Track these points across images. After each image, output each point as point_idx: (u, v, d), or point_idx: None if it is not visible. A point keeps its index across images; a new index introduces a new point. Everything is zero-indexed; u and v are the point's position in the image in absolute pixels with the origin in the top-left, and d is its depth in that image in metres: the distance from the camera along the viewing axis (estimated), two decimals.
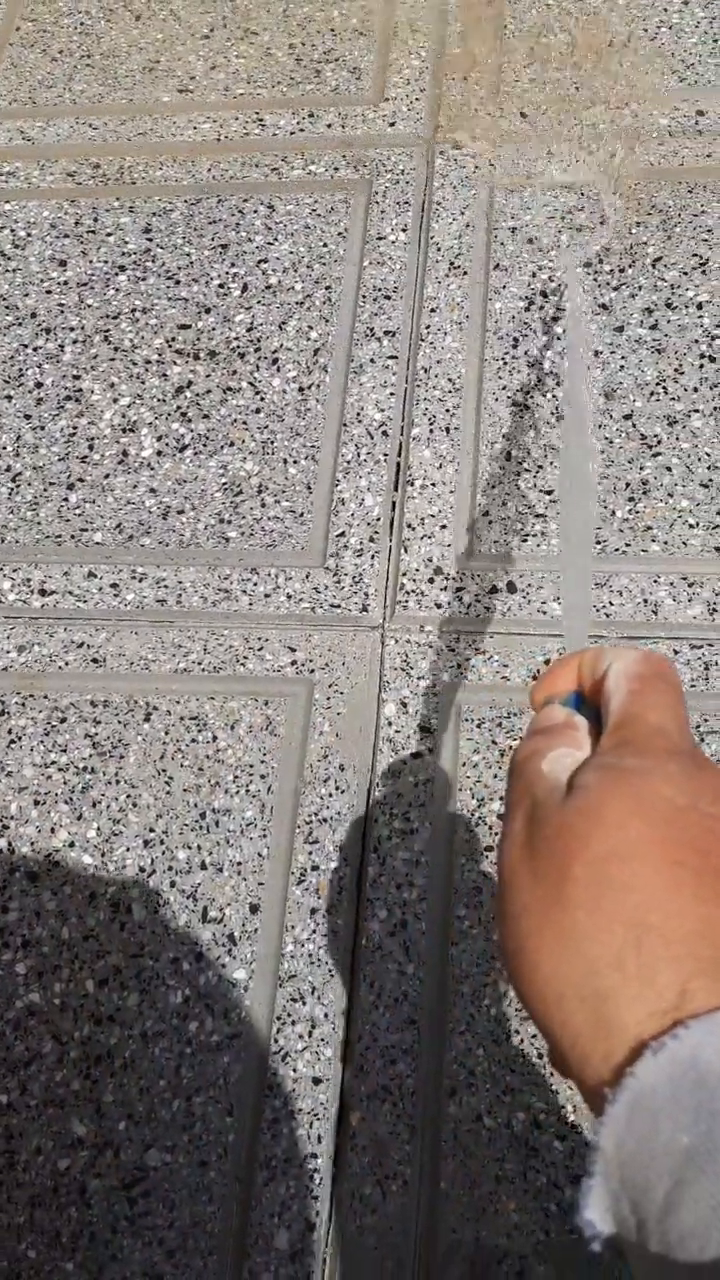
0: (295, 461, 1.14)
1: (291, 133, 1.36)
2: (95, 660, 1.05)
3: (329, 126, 1.36)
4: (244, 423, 1.17)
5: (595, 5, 1.40)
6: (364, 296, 1.24)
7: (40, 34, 1.49)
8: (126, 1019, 0.89)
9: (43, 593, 1.09)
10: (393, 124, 1.35)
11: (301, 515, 1.11)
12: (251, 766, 0.99)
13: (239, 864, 0.95)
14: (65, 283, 1.28)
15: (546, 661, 1.01)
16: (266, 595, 1.07)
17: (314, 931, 0.91)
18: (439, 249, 1.26)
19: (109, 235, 1.31)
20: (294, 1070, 0.86)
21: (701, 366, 1.14)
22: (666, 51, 1.35)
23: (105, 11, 1.49)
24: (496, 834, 0.93)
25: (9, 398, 1.21)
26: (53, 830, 0.97)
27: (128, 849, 0.96)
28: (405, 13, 1.44)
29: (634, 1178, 0.26)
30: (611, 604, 1.03)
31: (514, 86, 1.36)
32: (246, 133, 1.37)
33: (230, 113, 1.39)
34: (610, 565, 1.05)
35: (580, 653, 0.43)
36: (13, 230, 1.33)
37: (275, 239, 1.29)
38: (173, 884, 0.94)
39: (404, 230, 1.27)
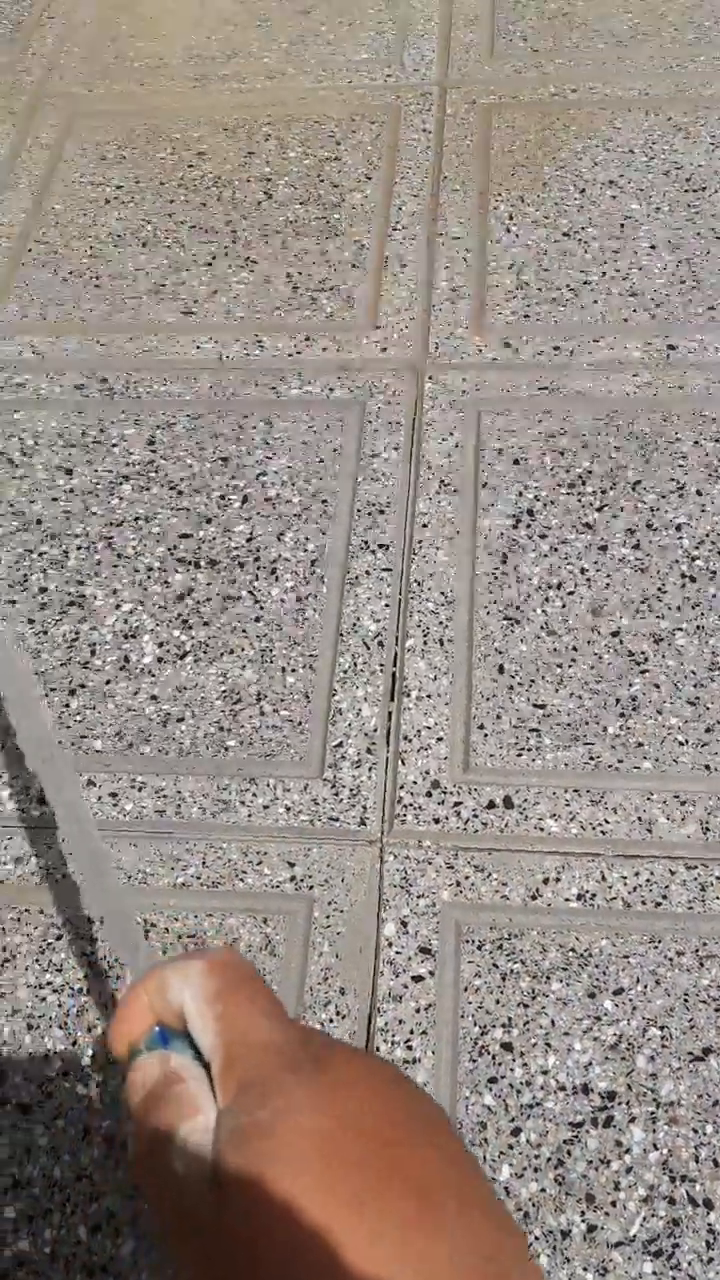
0: (294, 670, 1.17)
1: (289, 355, 1.44)
2: None
3: (324, 350, 1.44)
4: (243, 630, 1.20)
5: (569, 246, 1.52)
6: (358, 511, 1.29)
7: (52, 255, 1.58)
8: (121, 1270, 0.85)
9: (42, 801, 1.09)
10: (385, 349, 1.44)
11: (300, 724, 1.13)
12: None
13: None
14: (71, 490, 1.33)
15: (545, 881, 1.02)
16: (265, 807, 1.08)
17: None
18: (429, 467, 1.32)
19: (114, 446, 1.37)
20: None
21: (684, 586, 1.19)
22: (638, 290, 1.46)
23: (114, 238, 1.59)
24: (500, 1063, 0.92)
25: (13, 602, 1.24)
26: (46, 1058, 0.95)
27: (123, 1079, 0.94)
28: (395, 248, 1.55)
29: None
30: (607, 821, 1.04)
31: (498, 317, 1.45)
32: (247, 353, 1.45)
33: (231, 334, 1.47)
34: (604, 781, 1.07)
35: (141, 984, 0.39)
36: (20, 439, 1.38)
37: (274, 454, 1.35)
38: None
39: (396, 449, 1.34)
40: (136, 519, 1.30)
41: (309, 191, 1.63)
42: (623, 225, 1.54)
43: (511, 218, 1.57)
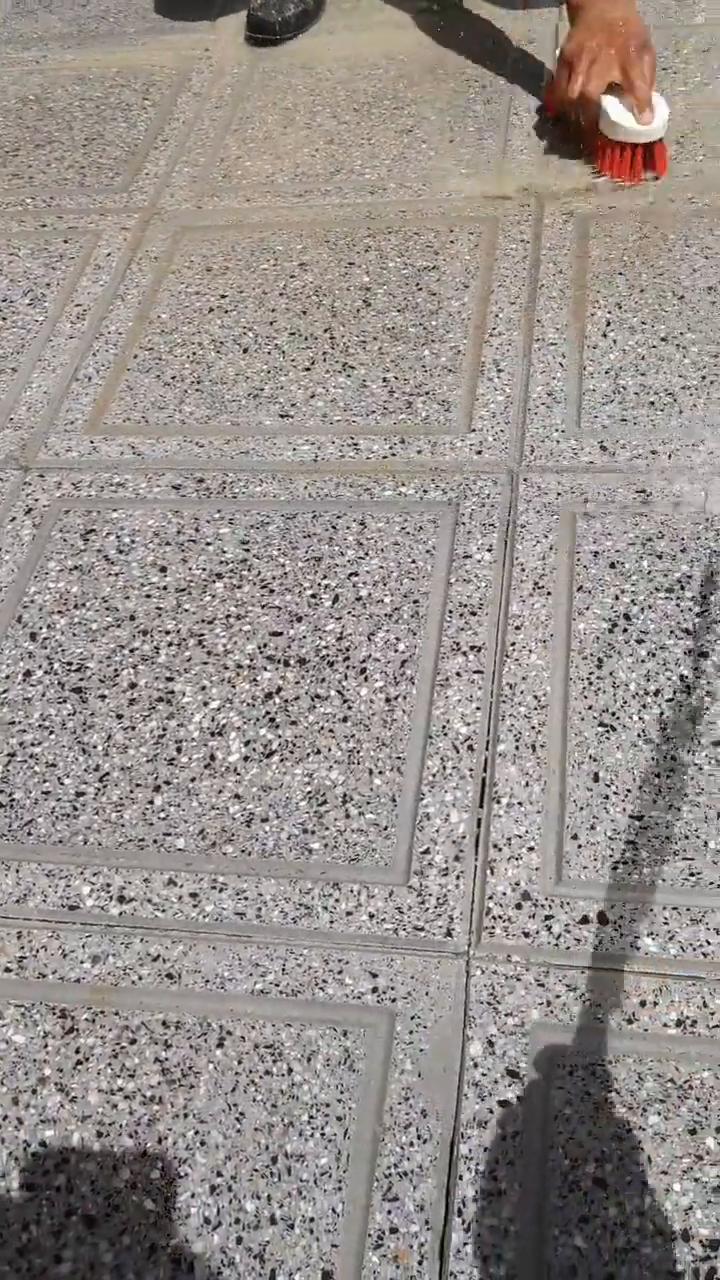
0: (381, 773, 1.15)
1: (384, 456, 1.45)
2: (170, 975, 1.02)
3: (419, 452, 1.45)
4: (331, 731, 1.19)
5: (668, 352, 1.51)
6: (450, 612, 1.28)
7: (155, 361, 1.63)
8: None
9: (121, 899, 1.08)
10: (479, 452, 1.44)
11: (386, 829, 1.10)
12: (328, 1106, 0.93)
13: (311, 1220, 0.88)
14: (164, 588, 1.34)
15: (642, 1004, 0.96)
16: (348, 913, 1.05)
17: None
18: (523, 569, 1.30)
19: (208, 545, 1.38)
20: None
21: None
22: None
23: (216, 344, 1.64)
24: (593, 1201, 0.86)
25: (103, 697, 1.24)
26: (115, 1168, 0.92)
27: (193, 1195, 0.90)
28: (491, 354, 1.56)
29: None
30: (709, 942, 0.99)
31: (594, 421, 1.45)
32: (341, 455, 1.46)
33: (327, 437, 1.49)
34: (706, 899, 1.02)
35: None
36: (118, 537, 1.41)
37: (366, 554, 1.35)
38: (239, 1240, 0.87)
39: (489, 550, 1.33)
40: (228, 617, 1.30)
41: (407, 300, 1.66)
42: None
43: (609, 324, 1.57)
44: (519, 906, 1.03)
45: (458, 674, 1.22)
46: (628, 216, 1.72)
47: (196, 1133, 0.93)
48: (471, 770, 1.14)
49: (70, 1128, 0.94)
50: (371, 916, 1.04)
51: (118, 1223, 0.89)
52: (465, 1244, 0.85)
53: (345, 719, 1.20)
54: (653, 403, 1.46)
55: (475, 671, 1.22)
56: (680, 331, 1.54)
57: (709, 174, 1.76)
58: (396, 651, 1.25)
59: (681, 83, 1.94)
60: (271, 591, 1.32)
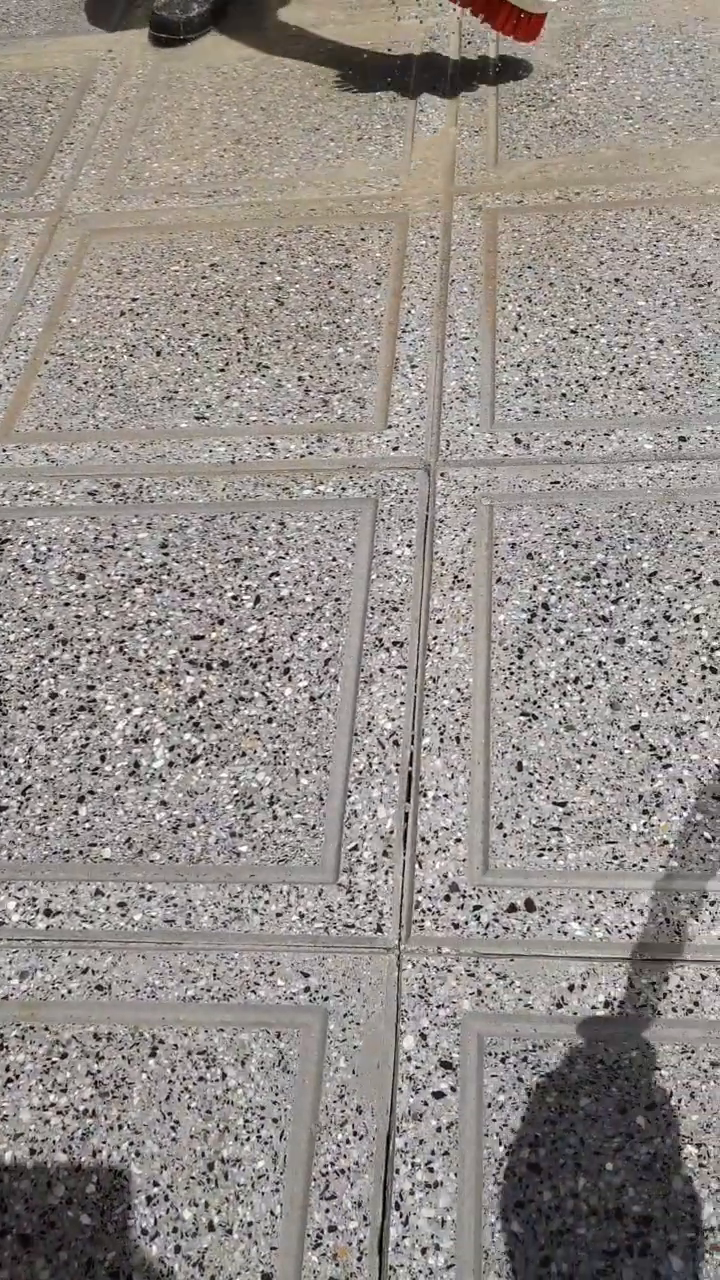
0: (307, 772, 1.15)
1: (301, 456, 1.45)
2: (100, 987, 1.01)
3: (336, 450, 1.45)
4: (256, 733, 1.18)
5: (578, 344, 1.53)
6: (372, 608, 1.28)
7: (67, 366, 1.62)
8: None
9: (48, 913, 1.07)
10: (396, 448, 1.44)
11: (314, 828, 1.10)
12: (263, 1108, 0.93)
13: (250, 1224, 0.87)
14: (83, 595, 1.33)
15: (570, 988, 0.97)
16: (278, 914, 1.05)
17: None
18: (443, 563, 1.31)
19: (127, 550, 1.37)
20: None
21: (704, 678, 1.17)
22: (648, 384, 1.46)
23: (128, 347, 1.63)
24: (528, 1186, 0.87)
25: (23, 709, 1.23)
26: (49, 1185, 0.90)
27: (129, 1206, 0.89)
28: (405, 350, 1.57)
29: None
30: (633, 923, 1.00)
31: (508, 414, 1.46)
32: (259, 455, 1.46)
33: (244, 438, 1.48)
34: (629, 881, 1.03)
35: None
36: (34, 545, 1.39)
37: (286, 554, 1.34)
38: (178, 1249, 0.87)
39: (409, 546, 1.34)
40: (148, 622, 1.29)
41: (320, 298, 1.66)
42: (629, 321, 1.55)
43: (520, 317, 1.59)
44: (447, 898, 1.04)
45: (381, 670, 1.22)
46: (536, 211, 1.74)
47: (131, 1144, 0.92)
48: (398, 765, 1.14)
49: (2, 1147, 0.93)
50: (302, 916, 1.04)
51: (54, 1240, 0.88)
52: (404, 1237, 0.86)
53: (270, 720, 1.19)
54: (564, 394, 1.47)
55: (398, 667, 1.22)
56: (589, 323, 1.56)
57: (611, 165, 1.78)
58: (320, 650, 1.25)
59: (585, 76, 1.97)
60: (192, 595, 1.32)
